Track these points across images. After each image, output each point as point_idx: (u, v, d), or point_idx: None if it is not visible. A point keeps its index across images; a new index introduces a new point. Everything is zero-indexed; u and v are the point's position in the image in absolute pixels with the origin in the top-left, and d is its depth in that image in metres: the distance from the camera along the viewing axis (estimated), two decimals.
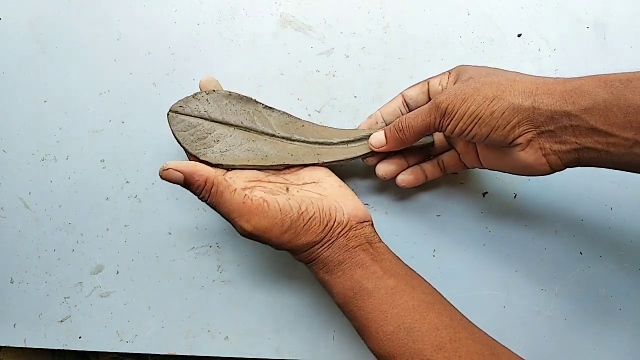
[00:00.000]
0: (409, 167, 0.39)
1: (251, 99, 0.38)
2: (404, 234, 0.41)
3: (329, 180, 0.37)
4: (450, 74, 0.36)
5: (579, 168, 0.42)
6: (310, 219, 0.33)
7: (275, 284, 0.41)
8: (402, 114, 0.39)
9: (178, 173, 0.31)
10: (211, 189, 0.31)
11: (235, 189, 0.32)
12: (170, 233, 0.41)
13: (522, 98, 0.30)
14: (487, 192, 0.42)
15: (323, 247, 0.33)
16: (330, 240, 0.33)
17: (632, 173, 0.40)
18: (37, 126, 0.42)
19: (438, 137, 0.39)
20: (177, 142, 0.37)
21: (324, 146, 0.39)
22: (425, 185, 0.41)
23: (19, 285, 0.41)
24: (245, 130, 0.38)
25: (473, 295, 0.41)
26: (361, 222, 0.34)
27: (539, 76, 0.32)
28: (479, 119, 0.31)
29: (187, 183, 0.31)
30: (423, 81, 0.38)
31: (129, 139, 0.42)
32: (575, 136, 0.30)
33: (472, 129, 0.31)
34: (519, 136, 0.31)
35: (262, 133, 0.38)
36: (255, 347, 0.40)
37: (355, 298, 0.32)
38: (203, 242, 0.41)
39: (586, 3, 0.43)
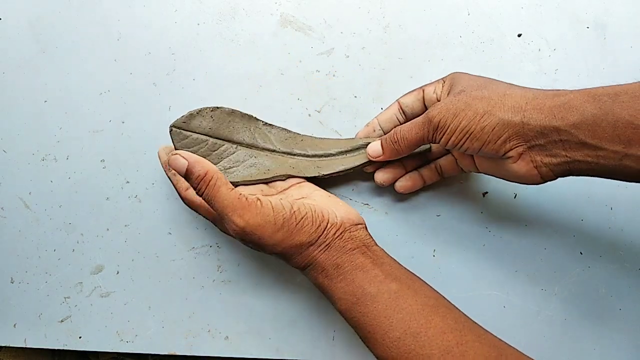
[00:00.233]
0: (407, 173, 0.40)
1: (252, 116, 0.39)
2: (404, 234, 0.41)
3: (318, 193, 0.37)
4: (444, 82, 0.37)
5: None
6: (302, 218, 0.33)
7: (276, 284, 0.41)
8: (399, 122, 0.40)
9: (184, 160, 0.32)
10: (209, 181, 0.32)
11: (232, 187, 0.32)
12: (170, 233, 0.42)
13: (511, 113, 0.31)
14: (487, 192, 0.42)
15: (319, 250, 0.33)
16: (325, 242, 0.33)
17: None
18: (37, 126, 0.42)
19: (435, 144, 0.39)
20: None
21: (323, 158, 0.39)
22: (425, 186, 0.41)
23: (19, 285, 0.41)
24: (248, 147, 0.39)
25: (473, 295, 0.41)
26: (355, 225, 0.34)
27: (530, 89, 0.32)
28: (470, 133, 0.32)
29: (188, 172, 0.32)
30: (418, 89, 0.39)
31: (129, 139, 0.42)
32: (565, 150, 0.30)
33: (464, 143, 0.32)
34: (510, 150, 0.31)
35: (264, 149, 0.39)
36: (255, 347, 0.40)
37: (358, 304, 0.32)
38: (203, 242, 0.41)
39: (586, 3, 0.43)
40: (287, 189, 0.38)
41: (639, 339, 0.40)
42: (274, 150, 0.39)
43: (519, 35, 0.43)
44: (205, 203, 0.33)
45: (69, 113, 0.43)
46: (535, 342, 0.40)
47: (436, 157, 0.40)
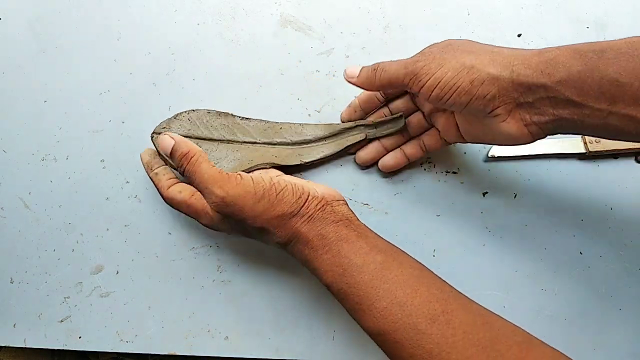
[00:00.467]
0: (387, 152, 0.40)
1: (228, 113, 0.40)
2: (404, 234, 0.41)
3: (297, 178, 0.37)
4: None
5: (578, 169, 0.42)
6: (282, 189, 0.33)
7: (275, 284, 0.41)
8: (379, 102, 0.40)
9: (171, 140, 0.34)
10: (191, 157, 0.33)
11: (213, 165, 0.33)
12: (170, 233, 0.41)
13: (501, 68, 0.30)
14: (487, 192, 0.42)
15: (302, 221, 0.33)
16: (307, 213, 0.33)
17: (632, 173, 0.41)
18: (37, 126, 0.42)
19: (417, 117, 0.40)
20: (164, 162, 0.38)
21: (304, 145, 0.41)
22: (425, 185, 0.41)
23: (19, 285, 0.41)
24: (229, 143, 0.40)
25: (473, 295, 0.41)
26: (337, 200, 0.34)
27: (515, 48, 0.32)
28: (458, 87, 0.31)
29: (172, 151, 0.34)
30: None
31: (129, 139, 0.42)
32: (553, 107, 0.30)
33: (450, 97, 0.31)
34: (498, 107, 0.31)
35: (244, 142, 0.40)
36: (255, 347, 0.40)
37: (345, 275, 0.32)
38: (203, 242, 0.41)
39: (586, 3, 0.43)
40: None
41: (639, 339, 0.40)
42: (254, 142, 0.40)
43: (519, 35, 0.43)
44: (187, 200, 0.34)
45: (69, 113, 0.43)
46: None
47: (419, 133, 0.40)
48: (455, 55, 0.31)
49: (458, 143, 0.40)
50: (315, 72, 0.43)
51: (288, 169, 0.40)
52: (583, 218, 0.41)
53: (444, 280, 0.32)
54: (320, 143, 0.41)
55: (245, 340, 0.40)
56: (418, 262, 0.33)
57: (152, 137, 0.38)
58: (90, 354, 0.58)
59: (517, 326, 0.30)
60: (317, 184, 0.36)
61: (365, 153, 0.40)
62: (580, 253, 0.41)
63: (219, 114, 0.40)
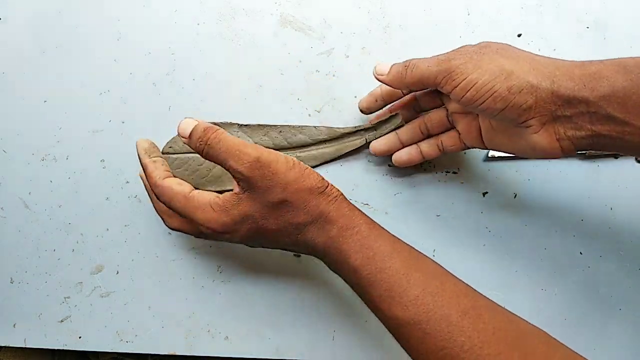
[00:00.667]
0: (403, 146, 0.39)
1: (227, 122, 0.41)
2: (404, 233, 0.41)
3: None
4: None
5: (578, 169, 0.42)
6: (307, 167, 0.32)
7: (275, 284, 0.41)
8: (402, 93, 0.38)
9: (194, 120, 0.32)
10: (212, 134, 0.31)
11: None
12: (170, 233, 0.41)
13: (541, 78, 0.29)
14: (487, 192, 0.42)
15: (329, 200, 0.31)
16: (332, 194, 0.32)
17: (632, 173, 0.41)
18: (37, 126, 0.42)
19: (439, 115, 0.38)
20: None
21: (304, 149, 0.41)
22: (425, 185, 0.41)
23: (19, 285, 0.41)
24: None
25: None
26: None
27: (554, 58, 0.31)
28: (494, 92, 0.29)
29: (193, 131, 0.32)
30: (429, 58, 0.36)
31: (129, 139, 0.42)
32: (592, 123, 0.29)
33: (485, 101, 0.30)
34: (533, 118, 0.30)
35: None
36: (255, 347, 0.40)
37: (375, 258, 0.30)
38: (203, 242, 0.41)
39: (586, 3, 0.43)
40: None
41: (639, 339, 0.40)
42: None
43: (519, 35, 0.43)
44: (187, 193, 0.32)
45: (69, 113, 0.43)
46: None
47: (438, 132, 0.38)
48: (493, 58, 0.30)
49: (475, 148, 0.38)
50: (315, 72, 0.43)
51: None
52: (583, 218, 0.41)
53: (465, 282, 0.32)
54: (320, 147, 0.41)
55: (245, 340, 0.40)
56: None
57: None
58: (90, 354, 0.58)
59: (538, 327, 0.30)
60: None
61: (380, 144, 0.39)
62: (580, 253, 0.41)
63: (218, 125, 0.40)
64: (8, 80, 0.43)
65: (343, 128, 0.41)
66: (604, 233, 0.41)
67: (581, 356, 0.28)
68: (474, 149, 0.42)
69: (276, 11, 0.43)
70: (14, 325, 0.41)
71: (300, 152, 0.41)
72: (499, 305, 0.30)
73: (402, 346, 0.30)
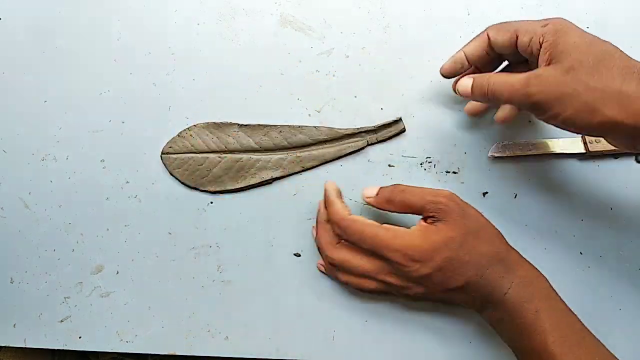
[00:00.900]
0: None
1: (227, 122, 0.41)
2: None
3: None
4: (544, 37, 0.32)
5: (578, 169, 0.42)
6: None
7: (276, 284, 0.41)
8: (489, 56, 0.36)
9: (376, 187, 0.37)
10: (399, 187, 0.36)
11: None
12: (170, 233, 0.41)
13: (625, 115, 0.28)
14: (487, 192, 0.42)
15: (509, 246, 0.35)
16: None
17: (632, 173, 0.40)
18: (37, 126, 0.42)
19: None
20: (177, 181, 0.41)
21: (304, 149, 0.41)
22: (425, 185, 0.41)
23: (19, 285, 0.41)
24: (231, 153, 0.41)
25: None
26: None
27: None
28: (574, 125, 0.30)
29: (380, 191, 0.37)
30: (483, 35, 0.36)
31: (129, 139, 0.42)
32: None
33: (564, 128, 0.31)
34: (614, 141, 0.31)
35: (247, 151, 0.41)
36: (255, 347, 0.40)
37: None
38: (203, 242, 0.41)
39: (586, 3, 0.43)
40: None
41: (639, 339, 0.40)
42: (256, 150, 0.41)
43: None
44: (362, 244, 0.35)
45: (69, 113, 0.43)
46: None
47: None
48: (576, 89, 0.29)
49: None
50: (315, 72, 0.43)
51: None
52: (583, 218, 0.41)
53: None
54: (321, 147, 0.41)
55: (245, 340, 0.40)
56: None
57: (161, 158, 0.41)
58: (90, 354, 0.58)
59: None
60: None
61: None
62: (580, 253, 0.41)
63: (219, 125, 0.41)
64: (8, 80, 0.43)
65: (344, 129, 0.41)
66: (604, 233, 0.41)
67: None
68: (475, 149, 0.42)
69: (276, 11, 0.43)
70: (14, 325, 0.41)
71: (301, 152, 0.41)
72: None
73: None
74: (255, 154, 0.41)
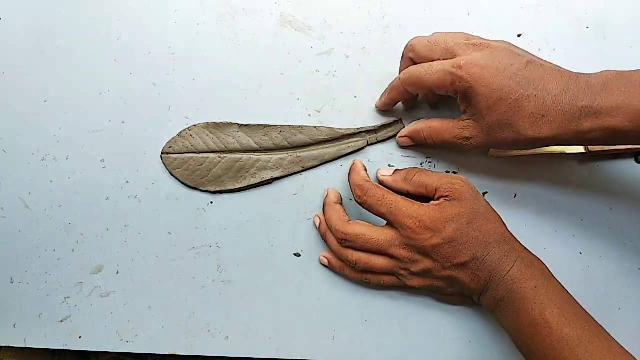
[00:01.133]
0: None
1: (227, 122, 0.41)
2: None
3: None
4: (456, 93, 0.35)
5: (578, 169, 0.42)
6: None
7: (275, 284, 0.41)
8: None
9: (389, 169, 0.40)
10: (416, 171, 0.38)
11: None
12: (170, 233, 0.41)
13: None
14: (487, 192, 0.42)
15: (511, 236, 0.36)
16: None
17: (632, 173, 0.41)
18: (37, 126, 0.42)
19: None
20: (177, 181, 0.41)
21: (305, 149, 0.41)
22: None
23: (19, 285, 0.41)
24: (231, 153, 0.41)
25: None
26: None
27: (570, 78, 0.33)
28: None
29: (396, 172, 0.39)
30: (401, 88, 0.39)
31: (129, 139, 0.42)
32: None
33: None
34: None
35: (247, 151, 0.41)
36: (255, 347, 0.40)
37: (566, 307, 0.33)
38: (203, 242, 0.41)
39: (586, 3, 0.43)
40: None
41: (639, 339, 0.40)
42: (256, 150, 0.41)
43: (519, 36, 0.43)
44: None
45: (69, 113, 0.43)
46: None
47: None
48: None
49: None
50: (315, 72, 0.43)
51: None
52: (583, 218, 0.41)
53: None
54: (320, 147, 0.41)
55: (245, 340, 0.40)
56: None
57: (161, 157, 0.41)
58: (90, 354, 0.58)
59: None
60: None
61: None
62: (580, 253, 0.41)
63: (219, 125, 0.41)
64: (8, 80, 0.43)
65: (344, 129, 0.41)
66: (604, 233, 0.41)
67: None
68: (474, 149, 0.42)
69: (276, 11, 0.43)
70: (14, 325, 0.41)
71: (301, 152, 0.41)
72: None
73: None
74: (255, 154, 0.41)
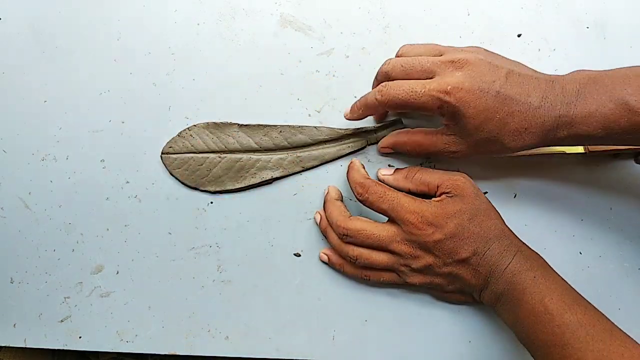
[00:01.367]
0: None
1: (227, 122, 0.41)
2: None
3: None
4: (440, 115, 0.36)
5: (578, 169, 0.42)
6: None
7: (275, 284, 0.41)
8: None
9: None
10: (417, 169, 0.38)
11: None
12: (170, 233, 0.42)
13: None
14: (486, 192, 0.42)
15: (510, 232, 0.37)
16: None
17: (632, 173, 0.41)
18: (37, 126, 0.42)
19: None
20: (177, 181, 0.41)
21: (305, 149, 0.41)
22: None
23: (19, 285, 0.41)
24: (231, 153, 0.41)
25: None
26: None
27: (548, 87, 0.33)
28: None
29: (397, 170, 0.40)
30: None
31: (129, 139, 0.42)
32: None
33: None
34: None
35: (247, 151, 0.41)
36: (255, 347, 0.40)
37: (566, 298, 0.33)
38: (203, 242, 0.41)
39: (586, 3, 0.43)
40: None
41: (639, 339, 0.40)
42: (256, 150, 0.41)
43: (519, 36, 0.43)
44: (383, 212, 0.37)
45: (69, 113, 0.43)
46: None
47: None
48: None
49: None
50: (315, 72, 0.43)
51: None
52: (583, 218, 0.41)
53: None
54: (320, 147, 0.41)
55: (245, 340, 0.40)
56: None
57: (161, 157, 0.41)
58: (90, 354, 0.58)
59: None
60: None
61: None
62: (580, 253, 0.41)
63: (219, 125, 0.41)
64: (8, 80, 0.43)
65: (344, 129, 0.41)
66: (604, 233, 0.41)
67: None
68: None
69: (276, 11, 0.43)
70: (14, 325, 0.41)
71: (301, 152, 0.41)
72: None
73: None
74: (255, 154, 0.41)
